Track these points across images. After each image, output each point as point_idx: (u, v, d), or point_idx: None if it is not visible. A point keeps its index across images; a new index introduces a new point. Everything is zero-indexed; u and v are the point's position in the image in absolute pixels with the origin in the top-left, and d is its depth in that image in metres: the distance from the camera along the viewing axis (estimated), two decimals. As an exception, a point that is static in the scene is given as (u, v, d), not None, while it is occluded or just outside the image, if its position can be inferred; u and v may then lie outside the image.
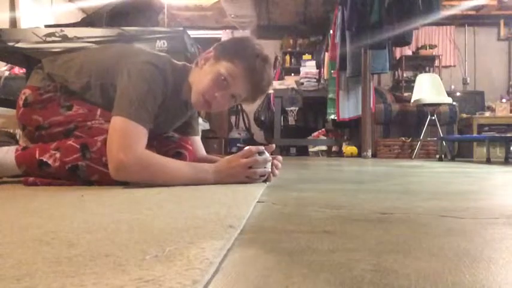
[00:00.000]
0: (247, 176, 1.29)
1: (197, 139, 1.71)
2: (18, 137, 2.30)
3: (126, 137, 1.17)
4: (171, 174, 1.22)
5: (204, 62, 1.38)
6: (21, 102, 1.39)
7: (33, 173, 1.29)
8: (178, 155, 1.48)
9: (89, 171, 1.25)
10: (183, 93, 1.42)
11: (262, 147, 1.34)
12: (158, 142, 1.44)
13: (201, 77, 1.36)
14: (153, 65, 1.29)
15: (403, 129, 4.89)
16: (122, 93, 1.25)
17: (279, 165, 1.44)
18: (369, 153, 4.40)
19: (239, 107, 6.81)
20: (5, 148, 1.35)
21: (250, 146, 1.34)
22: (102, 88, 1.35)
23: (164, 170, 1.22)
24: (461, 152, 5.17)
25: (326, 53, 5.54)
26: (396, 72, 7.12)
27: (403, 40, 4.56)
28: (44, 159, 1.26)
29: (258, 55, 1.35)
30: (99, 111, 1.34)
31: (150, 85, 1.25)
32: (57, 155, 1.25)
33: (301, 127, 6.00)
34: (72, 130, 1.31)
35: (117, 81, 1.28)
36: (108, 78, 1.33)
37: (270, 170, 1.34)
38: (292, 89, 5.42)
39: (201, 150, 1.71)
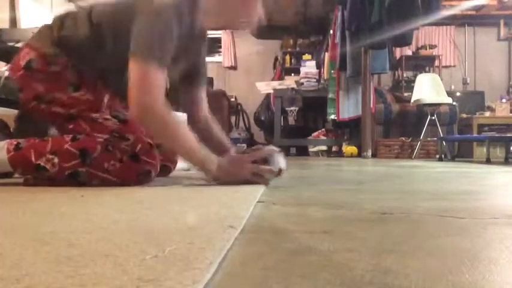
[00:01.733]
0: (248, 179, 1.25)
1: (202, 94, 1.57)
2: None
3: (147, 85, 1.14)
4: (180, 144, 1.22)
5: None
6: (22, 63, 1.28)
7: (30, 175, 1.25)
8: (163, 169, 1.45)
9: (89, 177, 1.22)
10: (197, 25, 1.33)
11: (275, 152, 1.30)
12: None
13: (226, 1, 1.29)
14: (168, 6, 1.20)
15: (403, 129, 4.89)
16: (138, 33, 1.18)
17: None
18: (369, 153, 4.40)
19: (239, 107, 6.81)
20: None
21: (260, 150, 1.29)
22: (115, 35, 1.26)
23: (176, 138, 1.21)
24: (461, 152, 5.16)
25: (326, 53, 5.54)
26: (396, 72, 7.12)
27: (404, 40, 4.56)
28: (42, 164, 1.20)
29: None
30: (106, 100, 1.29)
31: (166, 25, 1.19)
32: (55, 160, 1.20)
33: (301, 127, 6.00)
34: (74, 117, 1.26)
35: (133, 24, 1.20)
36: (122, 24, 1.23)
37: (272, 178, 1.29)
38: (292, 89, 5.42)
39: (205, 109, 1.57)
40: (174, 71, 1.37)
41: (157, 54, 1.16)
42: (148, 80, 1.15)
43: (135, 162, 1.24)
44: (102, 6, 1.33)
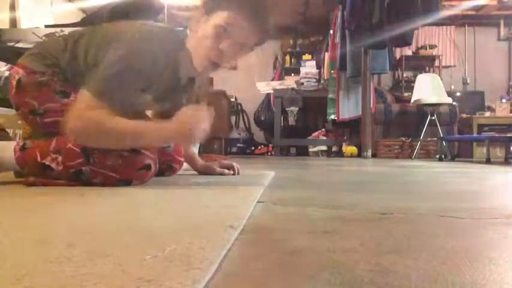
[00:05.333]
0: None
1: None
2: (18, 137, 2.30)
3: (84, 119, 1.14)
4: (124, 132, 1.18)
5: (196, 22, 1.31)
6: (13, 82, 1.32)
7: (36, 175, 1.26)
8: (169, 169, 1.55)
9: (92, 175, 1.24)
10: (187, 66, 1.34)
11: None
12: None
13: (199, 40, 1.29)
14: (143, 47, 1.21)
15: (403, 129, 4.89)
16: (98, 68, 1.19)
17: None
18: (369, 153, 4.40)
19: (239, 106, 6.81)
20: (1, 143, 1.33)
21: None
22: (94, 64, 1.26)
23: (112, 131, 1.16)
24: (461, 152, 5.16)
25: (326, 53, 5.53)
26: (396, 72, 7.11)
27: (403, 41, 4.55)
28: (47, 163, 1.24)
29: None
30: None
31: (131, 64, 1.19)
32: (59, 158, 1.23)
33: (301, 127, 5.99)
34: None
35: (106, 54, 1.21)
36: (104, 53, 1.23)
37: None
38: (292, 89, 5.42)
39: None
40: (159, 106, 1.46)
41: (103, 91, 1.15)
42: (87, 115, 1.14)
43: (136, 154, 1.25)
44: (89, 37, 1.33)
